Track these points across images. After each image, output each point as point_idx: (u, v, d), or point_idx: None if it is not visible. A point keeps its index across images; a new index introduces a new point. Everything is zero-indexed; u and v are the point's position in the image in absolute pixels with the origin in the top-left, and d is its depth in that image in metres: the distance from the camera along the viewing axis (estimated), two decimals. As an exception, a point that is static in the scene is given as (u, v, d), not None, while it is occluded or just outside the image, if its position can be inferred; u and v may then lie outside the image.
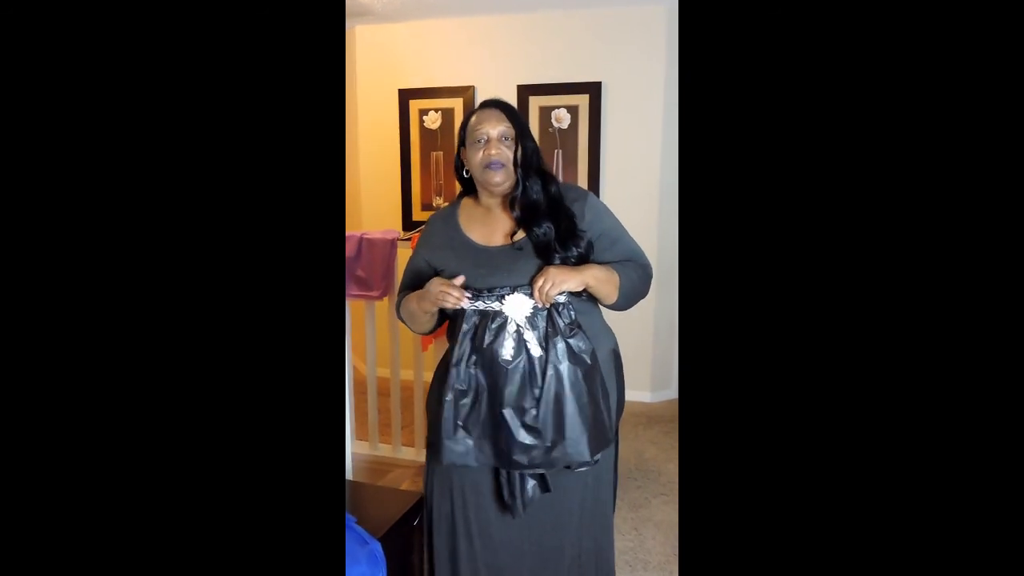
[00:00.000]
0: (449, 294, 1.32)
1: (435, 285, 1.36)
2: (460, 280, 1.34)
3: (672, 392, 3.66)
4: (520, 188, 1.38)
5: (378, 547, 1.30)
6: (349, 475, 1.93)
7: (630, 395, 3.49)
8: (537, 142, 1.47)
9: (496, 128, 1.38)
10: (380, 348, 2.98)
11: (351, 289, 2.65)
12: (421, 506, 1.52)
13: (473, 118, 1.42)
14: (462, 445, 1.32)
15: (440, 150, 3.67)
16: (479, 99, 3.57)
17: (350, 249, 2.64)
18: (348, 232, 2.61)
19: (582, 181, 3.47)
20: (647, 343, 3.54)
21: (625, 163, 3.44)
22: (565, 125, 3.45)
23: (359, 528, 1.34)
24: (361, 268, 2.68)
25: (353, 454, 2.25)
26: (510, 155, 1.38)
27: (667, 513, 2.39)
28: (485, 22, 3.51)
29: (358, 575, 1.23)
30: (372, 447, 2.89)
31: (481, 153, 1.38)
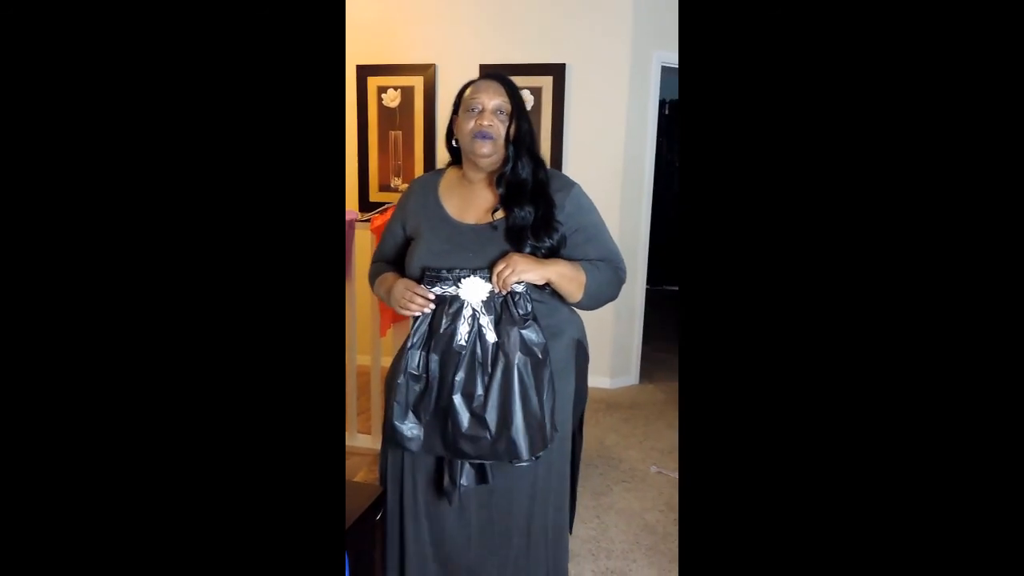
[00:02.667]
0: (411, 304, 1.31)
1: (399, 288, 1.34)
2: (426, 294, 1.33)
3: (631, 379, 3.67)
4: (510, 166, 1.35)
5: (339, 545, 1.23)
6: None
7: (590, 381, 3.51)
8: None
9: (493, 100, 1.34)
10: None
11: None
12: (383, 500, 1.47)
13: (471, 87, 1.38)
14: (411, 431, 1.32)
15: (399, 129, 3.57)
16: (440, 78, 3.50)
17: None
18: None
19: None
20: (607, 329, 3.52)
21: (588, 146, 3.40)
22: (529, 107, 3.38)
23: (318, 525, 1.27)
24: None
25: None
26: (502, 130, 1.34)
27: (629, 500, 2.38)
28: (447, -2, 3.42)
29: (318, 575, 1.16)
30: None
31: (473, 122, 1.34)
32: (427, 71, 3.46)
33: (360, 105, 3.58)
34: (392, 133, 3.58)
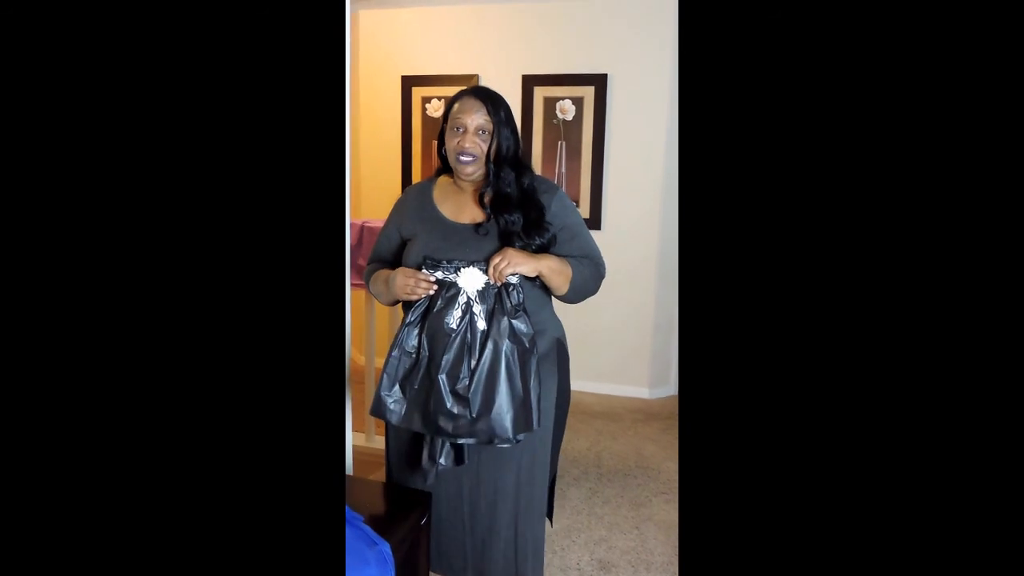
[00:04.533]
0: (416, 288, 1.39)
1: (400, 277, 1.43)
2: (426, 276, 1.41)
3: (670, 389, 3.65)
4: (491, 181, 1.45)
5: (387, 548, 1.26)
6: (350, 470, 1.89)
7: (628, 391, 3.53)
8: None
9: (475, 120, 1.43)
10: (379, 337, 2.93)
11: (352, 278, 2.60)
12: (428, 504, 1.49)
13: (456, 105, 1.46)
14: (395, 403, 1.41)
15: (442, 139, 3.62)
16: (483, 88, 3.53)
17: (352, 237, 2.59)
18: (350, 220, 2.56)
19: (585, 173, 3.43)
20: (646, 339, 3.51)
21: (629, 156, 3.40)
22: (570, 117, 3.41)
23: (367, 527, 1.30)
24: (363, 257, 2.63)
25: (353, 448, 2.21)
26: (483, 148, 1.44)
27: (669, 512, 2.37)
28: (491, 10, 3.45)
29: (367, 577, 1.19)
30: (368, 439, 2.86)
31: (456, 142, 1.44)
32: (470, 81, 3.51)
33: (404, 115, 3.65)
34: (435, 142, 3.63)
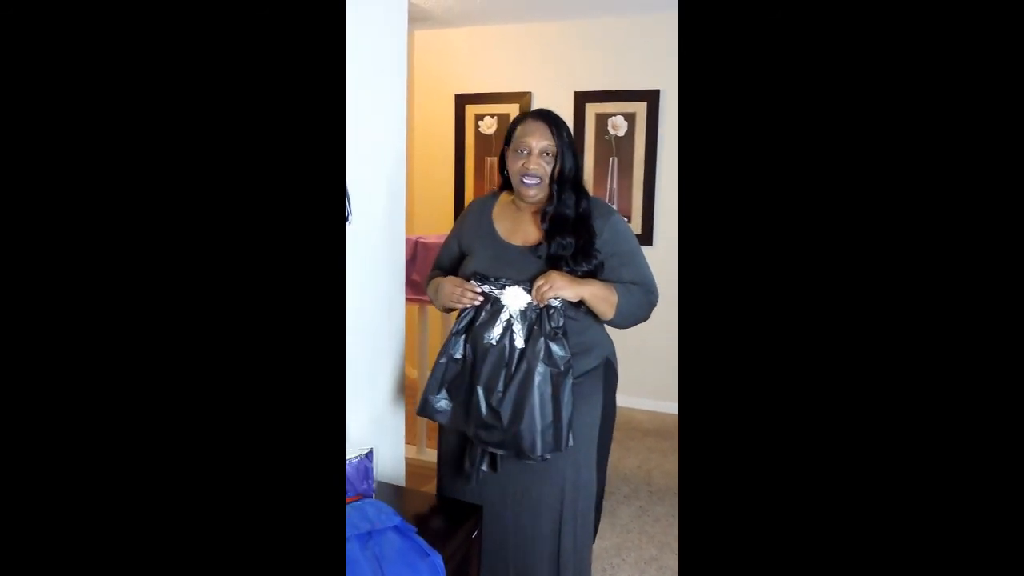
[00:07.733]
0: (462, 298, 1.44)
1: (448, 285, 1.49)
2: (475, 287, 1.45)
3: (723, 407, 3.59)
4: (554, 203, 1.47)
5: (439, 559, 1.28)
6: (402, 482, 1.93)
7: (650, 405, 3.47)
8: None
9: (539, 143, 1.45)
10: (432, 352, 2.97)
11: (406, 293, 2.65)
12: (480, 517, 1.51)
13: (520, 127, 1.49)
14: (442, 404, 1.48)
15: (494, 155, 3.66)
16: (535, 105, 3.57)
17: (406, 253, 2.64)
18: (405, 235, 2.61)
19: (637, 189, 3.43)
20: (671, 353, 3.46)
21: (682, 172, 3.38)
22: (622, 133, 3.42)
23: (420, 539, 1.32)
24: (416, 272, 2.68)
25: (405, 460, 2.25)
26: (548, 170, 1.46)
27: (721, 533, 2.33)
28: (543, 28, 3.50)
29: (419, 587, 1.21)
30: (419, 451, 2.89)
31: (520, 164, 1.46)
32: (523, 99, 3.55)
33: (458, 131, 3.71)
34: (488, 159, 3.69)
